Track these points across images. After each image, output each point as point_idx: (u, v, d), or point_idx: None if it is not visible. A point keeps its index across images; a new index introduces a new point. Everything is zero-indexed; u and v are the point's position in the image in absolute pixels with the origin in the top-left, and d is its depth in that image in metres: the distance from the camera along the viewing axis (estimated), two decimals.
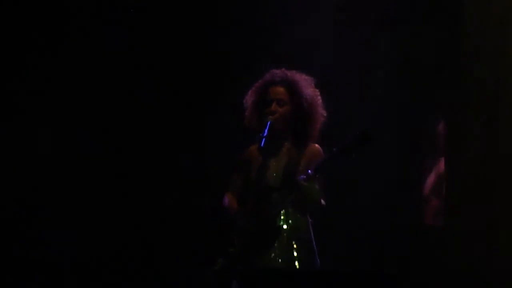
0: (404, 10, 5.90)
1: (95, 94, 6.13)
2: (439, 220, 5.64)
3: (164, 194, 6.12)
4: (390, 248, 5.77)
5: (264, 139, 4.59)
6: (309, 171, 4.43)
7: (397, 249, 5.76)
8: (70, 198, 6.07)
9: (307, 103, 4.71)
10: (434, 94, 5.78)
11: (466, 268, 4.70)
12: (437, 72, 5.59)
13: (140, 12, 6.15)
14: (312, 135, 4.74)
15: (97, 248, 6.07)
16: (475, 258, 4.68)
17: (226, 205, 4.78)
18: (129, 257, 6.09)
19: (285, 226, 4.61)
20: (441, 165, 5.69)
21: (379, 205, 5.85)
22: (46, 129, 6.10)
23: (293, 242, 4.60)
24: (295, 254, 4.59)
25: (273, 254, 4.57)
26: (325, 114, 4.76)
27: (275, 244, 4.58)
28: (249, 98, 4.79)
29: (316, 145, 4.73)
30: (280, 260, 4.57)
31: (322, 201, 4.58)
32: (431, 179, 5.86)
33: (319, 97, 4.76)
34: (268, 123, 4.63)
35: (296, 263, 4.58)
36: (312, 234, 4.67)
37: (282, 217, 4.61)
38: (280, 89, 4.72)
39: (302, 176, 4.45)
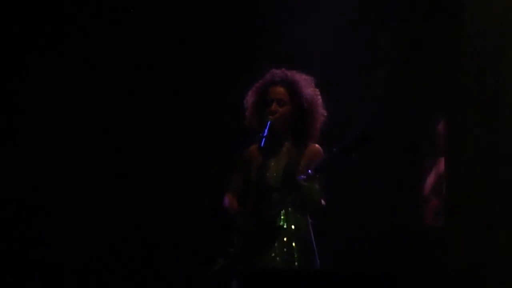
0: (404, 10, 5.90)
1: (95, 94, 6.13)
2: (439, 220, 5.64)
3: (164, 194, 6.11)
4: (390, 248, 5.77)
5: (264, 139, 4.60)
6: (309, 171, 4.43)
7: (397, 249, 5.76)
8: (70, 198, 6.07)
9: (307, 103, 4.71)
10: (434, 94, 5.77)
11: (466, 268, 4.69)
12: (437, 72, 5.59)
13: (140, 12, 6.15)
14: (312, 135, 4.74)
15: (97, 248, 6.07)
16: (475, 258, 4.67)
17: (226, 205, 4.79)
18: (129, 257, 6.10)
19: (285, 226, 4.62)
20: (441, 165, 5.68)
21: (379, 205, 5.85)
22: (46, 129, 6.10)
23: (293, 242, 4.61)
24: (295, 254, 4.59)
25: (273, 254, 4.58)
26: (325, 114, 4.76)
27: (275, 244, 4.58)
28: (249, 98, 4.79)
29: (316, 145, 4.73)
30: (280, 260, 4.57)
31: (322, 201, 4.58)
32: (431, 179, 5.86)
33: (319, 97, 4.76)
34: (268, 123, 4.64)
35: (296, 263, 4.58)
36: (312, 234, 4.68)
37: (282, 217, 4.62)
38: (280, 89, 4.73)
39: (302, 176, 4.45)
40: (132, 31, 6.13)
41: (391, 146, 5.79)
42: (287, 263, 4.57)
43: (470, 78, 4.75)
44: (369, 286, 3.83)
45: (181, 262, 6.02)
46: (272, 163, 4.73)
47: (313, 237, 4.67)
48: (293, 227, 4.62)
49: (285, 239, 4.60)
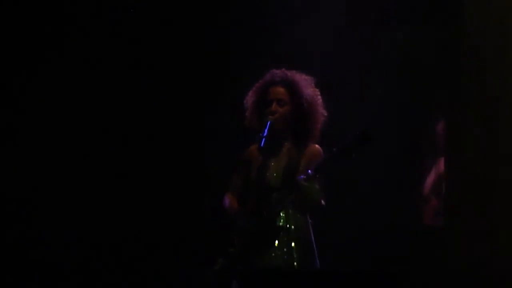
0: (404, 10, 5.90)
1: (95, 94, 6.13)
2: (438, 220, 5.64)
3: (164, 194, 6.11)
4: (390, 248, 5.77)
5: (264, 139, 4.59)
6: (309, 171, 4.43)
7: (397, 249, 5.76)
8: (70, 198, 6.06)
9: (307, 103, 4.71)
10: (434, 94, 5.77)
11: (466, 268, 4.69)
12: (437, 72, 5.59)
13: (140, 12, 6.15)
14: (313, 135, 4.74)
15: (97, 248, 6.07)
16: (475, 258, 4.68)
17: (226, 205, 4.79)
18: (129, 257, 6.09)
19: (285, 226, 4.61)
20: (441, 165, 5.68)
21: (379, 205, 5.85)
22: (46, 129, 6.09)
23: (293, 242, 4.61)
24: (295, 254, 4.59)
25: (273, 254, 4.58)
26: (325, 114, 4.76)
27: (275, 244, 4.58)
28: (249, 98, 4.79)
29: (316, 145, 4.73)
30: (280, 260, 4.57)
31: (322, 201, 4.58)
32: (430, 179, 5.86)
33: (319, 97, 4.76)
34: (268, 123, 4.64)
35: (296, 263, 4.58)
36: (312, 234, 4.68)
37: (282, 217, 4.62)
38: (280, 89, 4.73)
39: (302, 176, 4.45)
40: (132, 31, 6.13)
41: (391, 146, 5.79)
42: (287, 263, 4.57)
43: (470, 78, 4.76)
44: (369, 286, 3.83)
45: (181, 262, 6.02)
46: (272, 163, 4.72)
47: (313, 237, 4.67)
48: (293, 227, 4.62)
49: (285, 239, 4.60)
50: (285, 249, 4.59)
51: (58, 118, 6.10)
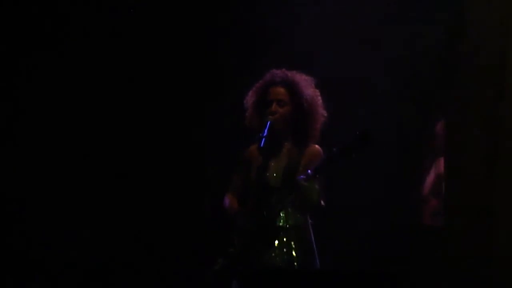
0: (404, 10, 5.90)
1: (95, 94, 6.13)
2: (437, 220, 5.64)
3: (164, 194, 6.11)
4: (390, 248, 5.77)
5: (264, 139, 4.60)
6: (309, 171, 4.43)
7: (397, 249, 5.76)
8: (70, 198, 6.06)
9: (307, 104, 4.71)
10: (434, 94, 5.77)
11: (466, 268, 4.69)
12: (437, 72, 5.58)
13: (140, 12, 6.14)
14: (313, 135, 4.74)
15: (97, 248, 6.07)
16: (475, 258, 4.67)
17: (226, 205, 4.79)
18: (129, 257, 6.09)
19: (285, 226, 4.61)
20: (440, 165, 5.68)
21: (379, 205, 5.85)
22: (47, 128, 6.10)
23: (293, 242, 4.61)
24: (294, 254, 4.60)
25: (273, 254, 4.58)
26: (325, 115, 4.76)
27: (275, 244, 4.58)
28: (249, 99, 4.80)
29: (316, 145, 4.73)
30: (280, 260, 4.57)
31: (322, 201, 4.58)
32: (430, 179, 5.86)
33: (319, 98, 4.76)
34: (268, 123, 4.64)
35: (296, 263, 4.58)
36: (312, 234, 4.68)
37: (282, 217, 4.62)
38: (281, 90, 4.73)
39: (301, 176, 4.45)
40: (132, 31, 6.13)
41: (390, 146, 5.79)
42: (287, 263, 4.57)
43: (470, 78, 4.75)
44: (369, 286, 3.83)
45: (181, 262, 6.01)
46: (272, 163, 4.73)
47: (313, 237, 4.68)
48: (293, 227, 4.62)
49: (285, 239, 4.60)
50: (285, 249, 4.60)
51: (58, 118, 6.10)
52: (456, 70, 4.84)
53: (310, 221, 4.69)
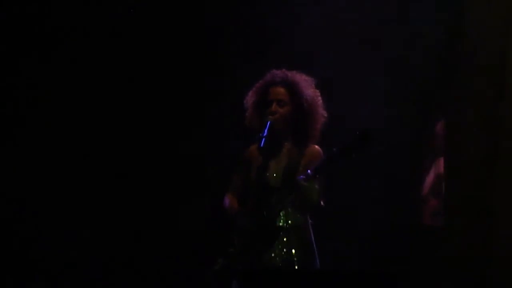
0: (404, 10, 5.90)
1: (95, 94, 6.12)
2: (436, 220, 5.64)
3: (164, 194, 6.11)
4: (390, 248, 5.77)
5: (263, 139, 4.60)
6: (309, 171, 4.43)
7: (397, 249, 5.76)
8: (70, 198, 6.06)
9: (307, 104, 4.71)
10: (434, 94, 5.77)
11: (466, 268, 4.70)
12: (437, 72, 5.59)
13: (140, 12, 6.14)
14: (313, 135, 4.74)
15: (97, 248, 6.07)
16: (475, 258, 4.68)
17: (226, 205, 4.79)
18: (129, 257, 6.09)
19: (285, 226, 4.61)
20: (440, 165, 5.68)
21: (379, 205, 5.85)
22: (47, 128, 6.09)
23: (293, 242, 4.61)
24: (294, 254, 4.59)
25: (273, 254, 4.58)
26: (325, 115, 4.76)
27: (275, 244, 4.58)
28: (249, 99, 4.79)
29: (316, 146, 4.73)
30: (280, 260, 4.57)
31: (321, 201, 4.58)
32: (429, 179, 5.86)
33: (320, 98, 4.76)
34: (268, 123, 4.64)
35: (296, 263, 4.58)
36: (312, 234, 4.68)
37: (282, 217, 4.62)
38: (281, 90, 4.73)
39: (301, 176, 4.45)
40: (132, 31, 6.13)
41: (391, 146, 5.79)
42: (287, 263, 4.57)
43: (470, 78, 4.76)
44: (369, 286, 3.83)
45: (181, 262, 6.01)
46: (272, 164, 4.73)
47: (313, 237, 4.68)
48: (293, 227, 4.62)
49: (285, 239, 4.60)
50: (285, 249, 4.59)
51: (58, 118, 6.10)
52: (456, 70, 4.84)
53: (310, 221, 4.69)
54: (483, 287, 4.67)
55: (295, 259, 4.58)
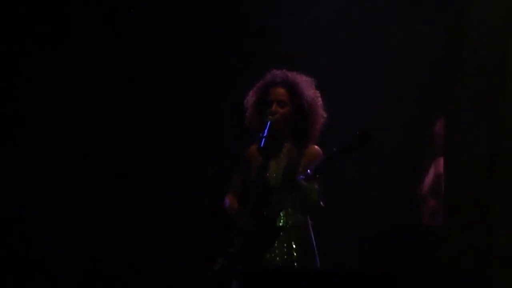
0: (404, 10, 5.90)
1: (95, 94, 6.13)
2: (436, 220, 5.64)
3: (164, 194, 6.11)
4: (390, 248, 5.77)
5: (263, 139, 4.60)
6: (309, 171, 4.43)
7: (397, 249, 5.76)
8: (70, 198, 6.06)
9: (307, 104, 4.71)
10: (434, 94, 5.77)
11: (466, 268, 4.69)
12: (438, 71, 5.58)
13: (141, 12, 6.14)
14: (312, 135, 4.74)
15: (96, 248, 6.07)
16: (475, 258, 4.67)
17: (226, 205, 4.79)
18: (129, 257, 6.09)
19: (285, 226, 4.61)
20: (439, 165, 5.68)
21: (379, 205, 5.85)
22: (47, 128, 6.10)
23: (293, 242, 4.61)
24: (294, 254, 4.60)
25: (273, 254, 4.58)
26: (325, 115, 4.76)
27: (275, 244, 4.58)
28: (249, 99, 4.80)
29: (316, 146, 4.73)
30: (280, 260, 4.57)
31: (321, 202, 4.58)
32: (429, 178, 5.86)
33: (320, 98, 4.77)
34: (268, 123, 4.64)
35: (296, 263, 4.58)
36: (312, 234, 4.68)
37: (282, 217, 4.62)
38: (281, 90, 4.73)
39: (301, 176, 4.46)
40: (132, 31, 6.13)
41: (391, 146, 5.79)
42: (287, 263, 4.58)
43: (470, 78, 4.75)
44: (369, 286, 3.83)
45: (181, 262, 6.01)
46: (272, 164, 4.73)
47: (313, 237, 4.68)
48: (293, 227, 4.63)
49: (285, 239, 4.60)
50: (285, 249, 4.60)
51: (58, 118, 6.10)
52: (456, 70, 4.84)
53: (310, 221, 4.69)
54: (483, 287, 4.67)
55: (295, 259, 4.59)
